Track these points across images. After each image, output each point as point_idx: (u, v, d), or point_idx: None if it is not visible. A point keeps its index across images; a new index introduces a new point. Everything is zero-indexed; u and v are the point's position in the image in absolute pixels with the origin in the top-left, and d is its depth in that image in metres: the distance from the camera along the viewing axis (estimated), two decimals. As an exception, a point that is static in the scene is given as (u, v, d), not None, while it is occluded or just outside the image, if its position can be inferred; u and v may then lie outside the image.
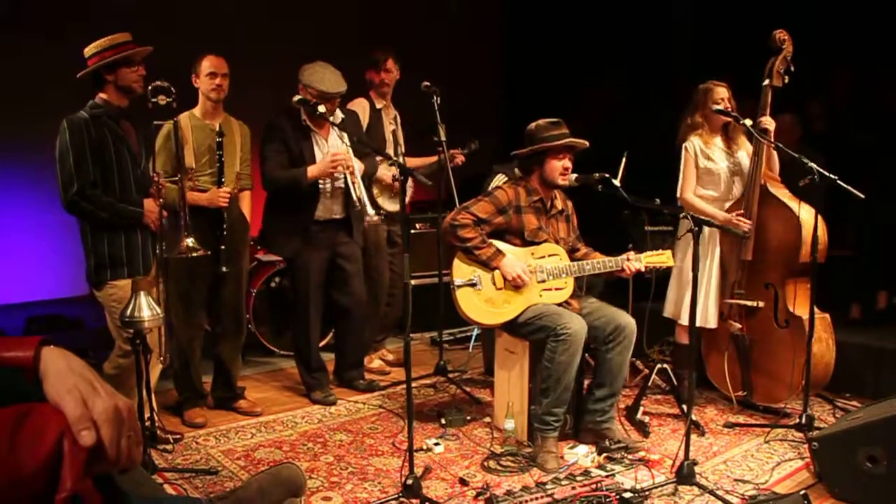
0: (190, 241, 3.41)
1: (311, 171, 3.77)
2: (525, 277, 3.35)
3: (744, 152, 3.91)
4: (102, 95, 3.21)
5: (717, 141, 3.90)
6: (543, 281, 3.41)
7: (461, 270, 3.41)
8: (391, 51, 4.54)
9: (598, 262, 3.44)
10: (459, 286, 3.38)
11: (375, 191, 4.55)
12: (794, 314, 3.69)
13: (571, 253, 3.56)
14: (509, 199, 3.45)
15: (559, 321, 3.21)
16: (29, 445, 0.95)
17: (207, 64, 3.67)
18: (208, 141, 3.70)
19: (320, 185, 3.87)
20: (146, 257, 3.30)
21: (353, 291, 4.14)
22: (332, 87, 3.74)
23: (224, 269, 3.68)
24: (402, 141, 4.72)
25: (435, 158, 4.49)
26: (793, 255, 3.67)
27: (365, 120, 4.39)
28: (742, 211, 3.77)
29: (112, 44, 3.16)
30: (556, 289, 3.42)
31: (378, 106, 4.52)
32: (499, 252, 3.39)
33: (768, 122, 3.73)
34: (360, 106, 4.43)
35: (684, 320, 3.89)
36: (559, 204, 3.59)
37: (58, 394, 1.03)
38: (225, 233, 3.69)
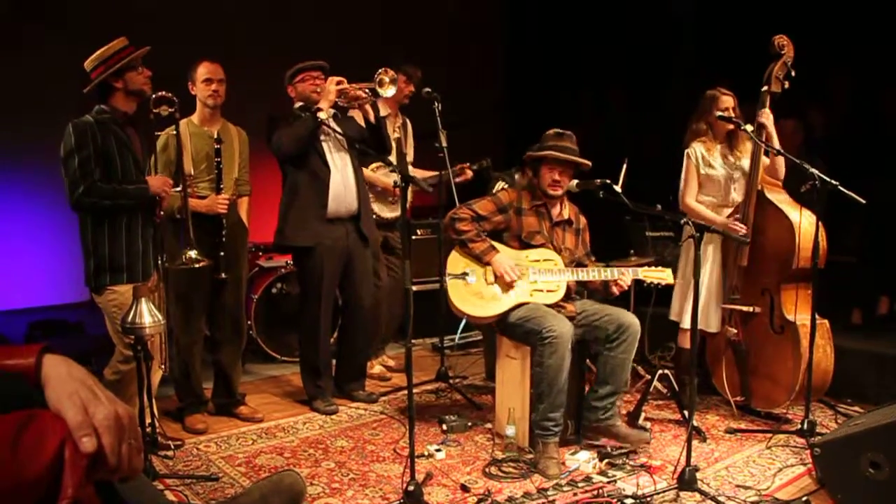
0: (193, 253, 3.42)
1: (322, 110, 3.74)
2: (512, 275, 3.38)
3: (747, 159, 3.91)
4: (111, 102, 3.22)
5: (720, 147, 3.91)
6: (535, 282, 3.42)
7: (455, 263, 3.47)
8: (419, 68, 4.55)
9: (593, 271, 3.46)
10: (451, 277, 3.43)
11: (370, 196, 4.54)
12: (788, 320, 3.69)
13: (577, 267, 3.57)
14: (510, 200, 3.52)
15: (545, 324, 3.22)
16: (31, 451, 0.96)
17: (203, 70, 3.67)
18: (206, 148, 3.70)
19: (331, 170, 3.88)
20: (146, 264, 3.30)
21: (361, 297, 4.12)
22: (307, 61, 3.88)
23: (223, 275, 3.69)
24: (408, 150, 4.71)
25: (436, 173, 4.49)
26: (787, 261, 3.67)
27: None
28: (738, 216, 3.78)
29: (113, 51, 3.16)
30: (548, 290, 3.44)
31: (383, 113, 4.50)
32: (492, 248, 3.44)
33: (765, 116, 3.71)
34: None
35: (686, 324, 3.90)
36: (567, 214, 3.61)
37: (59, 400, 1.03)
38: (224, 239, 3.69)
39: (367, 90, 3.82)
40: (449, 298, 3.45)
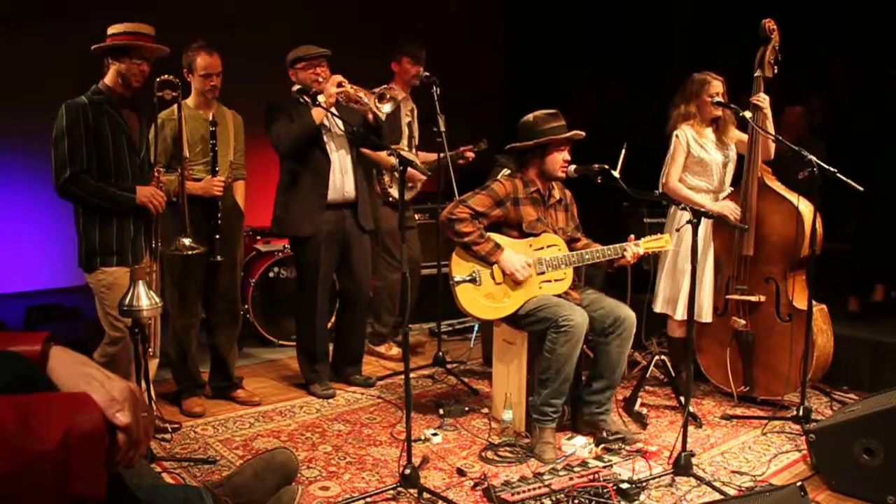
0: (187, 241, 3.41)
1: (319, 109, 3.68)
2: (524, 273, 3.34)
3: (734, 146, 3.89)
4: (106, 81, 3.20)
5: (709, 132, 3.87)
6: (543, 273, 3.40)
7: (460, 266, 3.39)
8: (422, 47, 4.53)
9: (598, 251, 3.42)
10: (459, 282, 3.37)
11: (387, 178, 4.54)
12: (796, 308, 3.69)
13: (570, 243, 3.55)
14: (507, 192, 3.44)
15: (560, 312, 3.21)
16: (39, 432, 0.99)
17: (202, 63, 3.62)
18: (202, 131, 3.68)
19: (331, 161, 3.87)
20: (137, 248, 3.29)
21: (359, 282, 4.11)
22: (311, 49, 3.85)
23: (218, 258, 3.68)
24: (416, 134, 4.71)
25: (436, 156, 4.47)
26: (793, 249, 3.66)
27: None
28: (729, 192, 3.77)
29: (133, 30, 3.14)
30: (556, 280, 3.42)
31: (399, 97, 4.48)
32: (497, 246, 3.37)
33: (761, 99, 3.67)
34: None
35: (678, 315, 3.88)
36: (557, 193, 3.58)
37: (77, 386, 1.11)
38: (219, 222, 3.68)
39: (365, 97, 3.81)
40: (461, 304, 3.38)
